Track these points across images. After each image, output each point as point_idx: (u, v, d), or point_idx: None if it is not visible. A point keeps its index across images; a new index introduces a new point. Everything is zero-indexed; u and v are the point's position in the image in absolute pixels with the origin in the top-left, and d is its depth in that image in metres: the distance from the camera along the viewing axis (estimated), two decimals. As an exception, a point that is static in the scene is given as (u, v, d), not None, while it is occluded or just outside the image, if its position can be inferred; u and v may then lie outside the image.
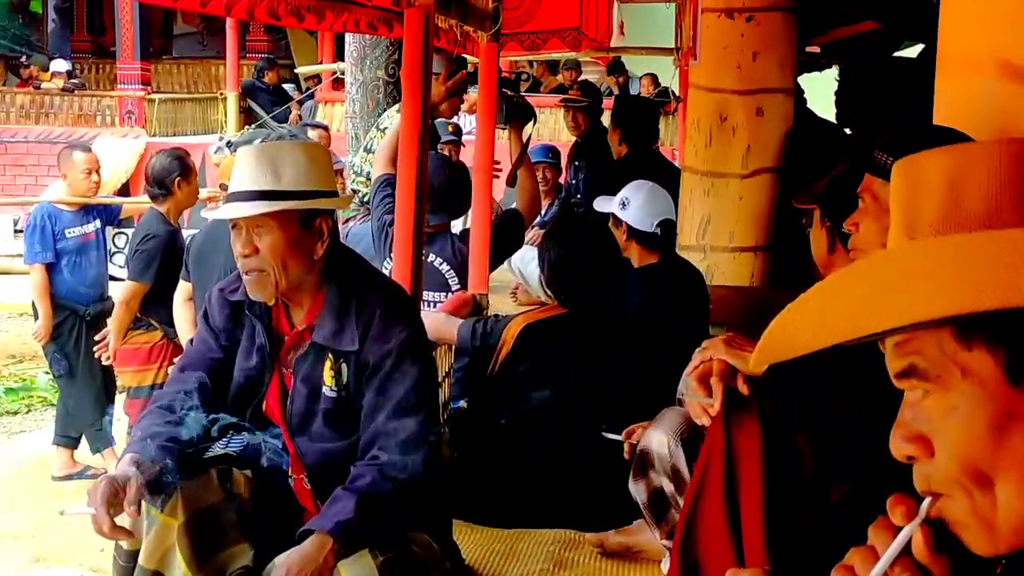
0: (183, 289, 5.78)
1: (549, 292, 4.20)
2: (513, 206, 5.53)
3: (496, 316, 4.40)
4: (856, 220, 2.57)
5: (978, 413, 1.10)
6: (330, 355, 2.92)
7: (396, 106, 7.30)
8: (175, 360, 6.13)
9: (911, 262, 1.09)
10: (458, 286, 5.15)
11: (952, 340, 1.10)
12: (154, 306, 6.17)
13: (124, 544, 2.82)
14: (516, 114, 5.46)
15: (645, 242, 4.73)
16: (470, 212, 5.62)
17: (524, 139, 5.45)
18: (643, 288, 4.68)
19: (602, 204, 5.01)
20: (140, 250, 6.07)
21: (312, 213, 2.90)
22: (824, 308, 1.13)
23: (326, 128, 10.35)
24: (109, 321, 6.37)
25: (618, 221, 4.78)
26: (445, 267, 5.14)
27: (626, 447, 3.28)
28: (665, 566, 3.23)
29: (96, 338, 6.46)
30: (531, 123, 5.57)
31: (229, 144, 6.42)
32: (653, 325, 4.44)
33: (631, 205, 4.74)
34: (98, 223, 7.05)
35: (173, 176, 6.06)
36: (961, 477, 1.12)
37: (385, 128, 6.93)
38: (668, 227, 4.78)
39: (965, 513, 1.12)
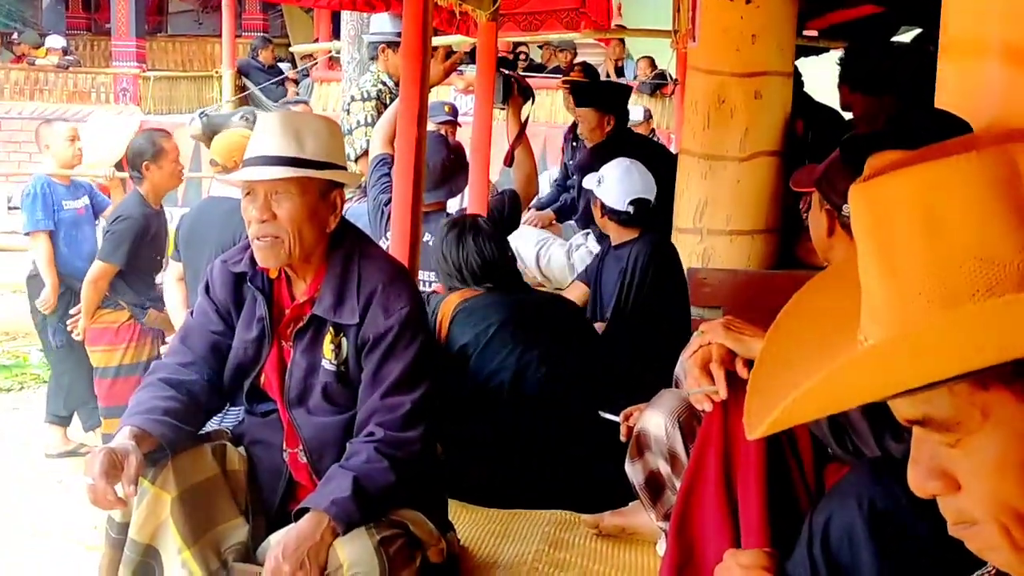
0: (174, 269, 5.76)
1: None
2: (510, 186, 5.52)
3: (429, 296, 4.42)
4: None
5: (1006, 452, 1.06)
6: (330, 328, 2.92)
7: (357, 85, 7.29)
8: (141, 341, 6.15)
9: (925, 337, 1.05)
10: (454, 265, 5.15)
11: (966, 384, 1.05)
12: (123, 287, 6.14)
13: (116, 516, 2.81)
14: (514, 94, 5.45)
15: (618, 220, 4.78)
16: (467, 192, 5.62)
17: (522, 119, 5.44)
18: (619, 265, 4.72)
19: (588, 182, 5.03)
20: (111, 230, 6.04)
21: (330, 185, 2.92)
22: (835, 391, 1.10)
23: (306, 103, 10.41)
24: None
25: (595, 198, 4.82)
26: (443, 247, 5.13)
27: (623, 429, 3.28)
28: (661, 547, 3.23)
29: (71, 312, 6.44)
30: (529, 103, 5.57)
31: (203, 115, 6.37)
32: (634, 302, 4.47)
33: (605, 183, 4.78)
34: (87, 199, 7.04)
35: (142, 160, 6.03)
36: (998, 514, 1.08)
37: (349, 108, 6.93)
38: (641, 206, 4.79)
39: (1001, 542, 1.09)
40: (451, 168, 5.22)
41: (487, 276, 4.20)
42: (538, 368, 4.03)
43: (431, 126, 6.40)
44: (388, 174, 5.00)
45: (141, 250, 6.07)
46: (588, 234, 6.31)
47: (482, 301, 4.15)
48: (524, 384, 4.01)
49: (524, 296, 4.23)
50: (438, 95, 12.57)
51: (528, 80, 6.04)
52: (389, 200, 4.98)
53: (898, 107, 4.77)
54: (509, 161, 5.44)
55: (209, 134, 7.60)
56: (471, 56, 6.03)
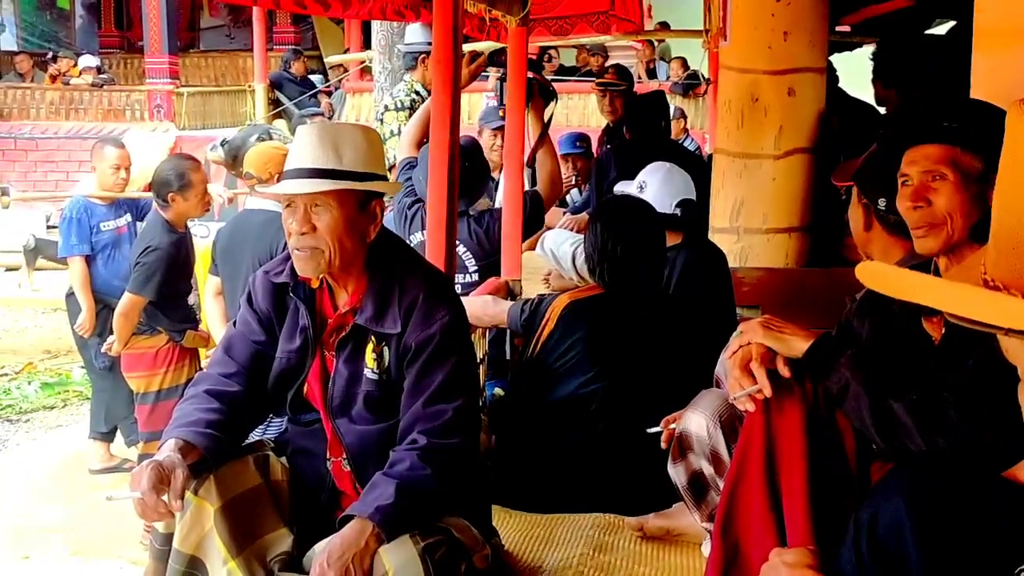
0: (212, 283, 5.78)
1: (588, 275, 4.18)
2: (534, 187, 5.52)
3: (542, 296, 4.37)
4: (926, 195, 2.46)
5: None
6: (372, 338, 2.92)
7: (391, 95, 7.30)
8: (180, 363, 6.16)
9: None
10: (475, 267, 5.14)
11: None
12: (159, 315, 6.14)
13: (160, 527, 2.83)
14: (536, 95, 5.45)
15: (665, 223, 4.73)
16: (500, 193, 5.61)
17: (544, 119, 5.45)
18: (668, 269, 4.69)
19: (621, 188, 5.00)
20: (141, 263, 6.02)
21: (369, 195, 2.91)
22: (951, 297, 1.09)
23: (322, 115, 10.46)
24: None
25: None
26: (461, 248, 5.11)
27: (663, 435, 3.25)
28: (706, 549, 3.22)
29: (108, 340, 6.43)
30: (552, 103, 5.56)
31: (224, 143, 6.38)
32: (680, 305, 4.44)
33: (648, 187, 4.74)
34: (129, 217, 7.07)
35: (168, 191, 6.02)
36: None
37: (382, 118, 6.95)
38: (688, 207, 4.75)
39: None
40: (465, 179, 5.21)
41: (622, 271, 4.07)
42: (596, 382, 4.01)
43: (486, 133, 6.43)
44: (411, 177, 5.03)
45: (171, 277, 6.08)
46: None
47: (587, 304, 4.10)
48: (573, 393, 4.00)
49: (635, 305, 4.13)
50: (469, 101, 12.59)
51: (555, 83, 6.04)
52: (412, 203, 5.00)
53: (932, 101, 4.74)
54: (531, 162, 5.43)
55: (230, 159, 7.63)
56: (493, 58, 6.01)
